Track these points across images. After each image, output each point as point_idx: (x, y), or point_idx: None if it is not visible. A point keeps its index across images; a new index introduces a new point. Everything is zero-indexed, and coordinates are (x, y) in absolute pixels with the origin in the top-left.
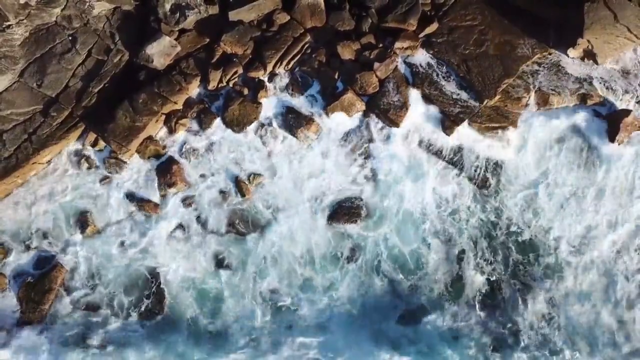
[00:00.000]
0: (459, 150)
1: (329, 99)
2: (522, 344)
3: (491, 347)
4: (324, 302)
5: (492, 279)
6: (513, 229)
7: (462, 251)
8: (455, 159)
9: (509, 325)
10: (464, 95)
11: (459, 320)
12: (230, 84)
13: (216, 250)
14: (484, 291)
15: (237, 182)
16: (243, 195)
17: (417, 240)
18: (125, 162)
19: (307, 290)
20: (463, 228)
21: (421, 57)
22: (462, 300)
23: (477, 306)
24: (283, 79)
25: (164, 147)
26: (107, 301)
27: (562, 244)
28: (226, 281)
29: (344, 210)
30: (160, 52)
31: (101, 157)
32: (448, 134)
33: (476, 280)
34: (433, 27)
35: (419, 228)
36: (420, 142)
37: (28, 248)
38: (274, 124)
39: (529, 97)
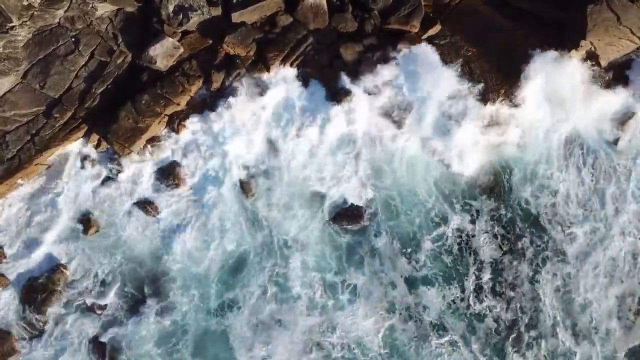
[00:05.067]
0: None
1: (332, 100)
2: None
3: None
4: None
5: None
6: None
7: None
8: None
9: None
10: (466, 96)
11: None
12: (234, 85)
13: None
14: None
15: (241, 181)
16: (247, 195)
17: None
18: (128, 163)
19: None
20: None
21: (424, 58)
22: None
23: None
24: (286, 80)
25: (167, 148)
26: None
27: None
28: None
29: None
30: (163, 53)
31: (104, 158)
32: (451, 135)
33: None
34: (436, 29)
35: None
36: None
37: (30, 249)
38: (277, 124)
39: (532, 98)
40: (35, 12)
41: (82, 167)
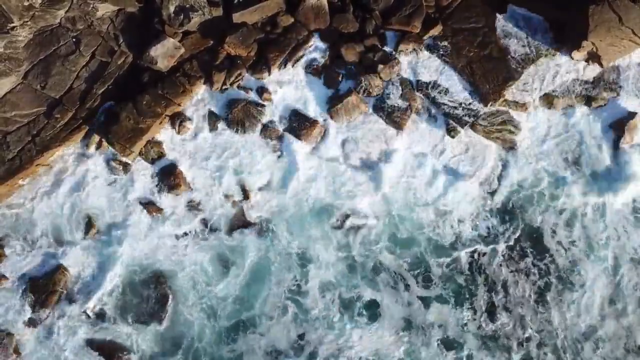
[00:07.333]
0: None
1: (333, 101)
2: None
3: None
4: None
5: None
6: None
7: None
8: None
9: None
10: (468, 97)
11: None
12: (234, 86)
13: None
14: None
15: (241, 185)
16: (247, 198)
17: None
18: (128, 164)
19: None
20: None
21: (425, 59)
22: None
23: None
24: (287, 81)
25: (167, 149)
26: None
27: None
28: None
29: None
30: (164, 54)
31: (105, 159)
32: (452, 137)
33: None
34: (437, 30)
35: None
36: None
37: (31, 249)
38: (278, 126)
39: (534, 100)
40: (36, 13)
41: (83, 167)
